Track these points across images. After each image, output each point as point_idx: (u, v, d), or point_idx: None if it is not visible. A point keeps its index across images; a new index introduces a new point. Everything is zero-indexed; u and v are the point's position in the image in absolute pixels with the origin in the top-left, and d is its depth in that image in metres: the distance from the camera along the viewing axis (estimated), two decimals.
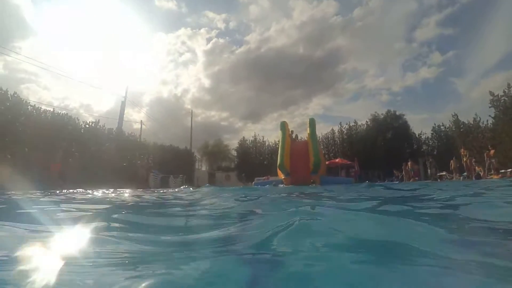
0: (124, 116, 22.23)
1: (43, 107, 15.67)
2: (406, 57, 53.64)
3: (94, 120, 18.07)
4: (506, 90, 18.52)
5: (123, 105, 20.11)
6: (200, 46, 61.53)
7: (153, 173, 18.90)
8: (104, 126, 18.36)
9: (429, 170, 16.96)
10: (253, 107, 62.65)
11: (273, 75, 60.98)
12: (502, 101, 18.64)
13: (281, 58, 59.65)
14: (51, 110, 15.51)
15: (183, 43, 64.18)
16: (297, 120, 53.88)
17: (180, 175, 20.50)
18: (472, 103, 45.88)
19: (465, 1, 42.74)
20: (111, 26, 62.66)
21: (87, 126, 17.05)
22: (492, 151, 14.29)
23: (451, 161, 15.82)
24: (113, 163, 16.60)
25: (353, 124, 28.46)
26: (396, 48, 53.42)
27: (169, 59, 63.67)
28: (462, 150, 16.05)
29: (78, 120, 16.65)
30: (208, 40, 64.72)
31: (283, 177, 16.16)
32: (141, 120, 27.61)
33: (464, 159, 15.36)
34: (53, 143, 13.54)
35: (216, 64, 61.83)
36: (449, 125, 24.17)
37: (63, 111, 17.71)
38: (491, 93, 19.12)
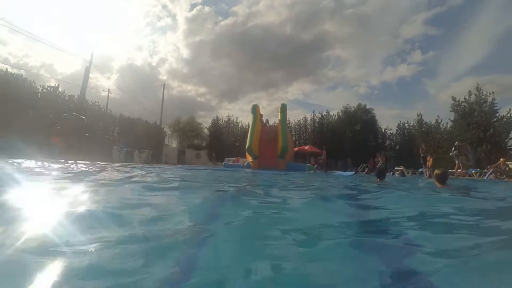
0: (91, 81, 20.70)
1: None
2: (389, 51, 54.61)
3: (53, 85, 16.80)
4: (467, 97, 19.68)
5: (87, 71, 18.71)
6: (183, 11, 58.37)
7: (117, 146, 18.21)
8: (64, 92, 17.10)
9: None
10: (232, 85, 61.50)
11: (256, 53, 59.77)
12: (462, 106, 19.83)
13: (266, 36, 58.38)
14: (4, 70, 14.08)
15: (164, 6, 60.58)
16: (276, 103, 54.04)
17: (146, 150, 19.92)
18: (440, 105, 48.42)
19: (453, 3, 43.74)
20: None
21: (44, 90, 15.77)
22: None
23: (429, 158, 16.15)
24: (74, 133, 15.61)
25: (325, 113, 29.08)
26: (382, 41, 54.07)
27: (146, 22, 60.00)
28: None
29: (35, 83, 15.33)
30: (193, 6, 61.48)
31: (251, 160, 16.31)
32: (108, 89, 26.08)
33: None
34: (5, 108, 12.38)
35: (198, 34, 59.29)
36: (413, 123, 25.44)
37: (20, 71, 16.28)
38: (453, 98, 20.25)
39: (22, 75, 15.24)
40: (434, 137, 21.46)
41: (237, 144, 29.36)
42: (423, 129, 23.65)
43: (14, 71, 15.26)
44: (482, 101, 19.08)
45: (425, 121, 24.08)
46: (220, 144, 29.46)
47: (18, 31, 17.13)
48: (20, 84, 14.26)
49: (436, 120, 22.83)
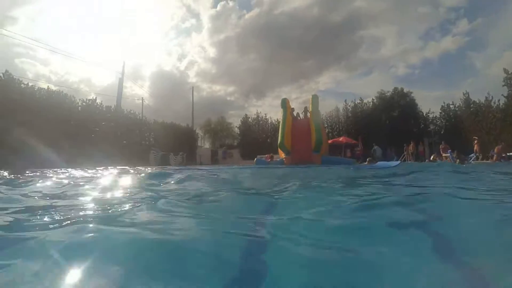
0: (126, 91, 21.66)
1: (39, 85, 15.46)
2: (430, 23, 49.75)
3: (91, 98, 17.85)
4: None
5: (120, 82, 19.66)
6: (206, 10, 58.97)
7: (153, 150, 18.90)
8: (101, 103, 18.09)
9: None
10: (261, 81, 61.03)
11: (284, 43, 57.90)
12: None
13: (293, 23, 55.88)
14: (46, 88, 15.22)
15: (188, 7, 61.77)
16: (307, 95, 51.97)
17: (180, 153, 20.45)
18: (491, 80, 43.28)
19: None
20: None
21: (84, 104, 16.81)
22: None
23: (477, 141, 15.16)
24: (112, 141, 16.48)
25: (358, 101, 27.63)
26: (421, 13, 48.98)
27: (170, 25, 61.53)
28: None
29: (75, 98, 16.40)
30: (216, 2, 61.92)
31: (283, 156, 15.94)
32: (142, 98, 27.21)
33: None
34: (50, 123, 13.33)
35: (223, 31, 59.51)
36: (459, 104, 23.20)
37: (62, 88, 17.58)
38: (505, 71, 18.08)
39: (62, 91, 16.38)
40: (486, 117, 19.34)
41: (268, 140, 29.12)
42: (471, 109, 21.44)
43: (56, 88, 16.53)
44: None
45: (473, 100, 21.83)
46: (251, 141, 29.42)
47: (56, 51, 18.35)
48: (61, 100, 15.33)
49: (486, 97, 20.54)
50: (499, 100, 19.31)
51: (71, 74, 48.75)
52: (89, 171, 6.80)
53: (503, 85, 18.45)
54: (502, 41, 41.18)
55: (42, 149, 10.07)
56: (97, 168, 8.15)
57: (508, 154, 13.13)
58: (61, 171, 6.72)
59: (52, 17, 45.05)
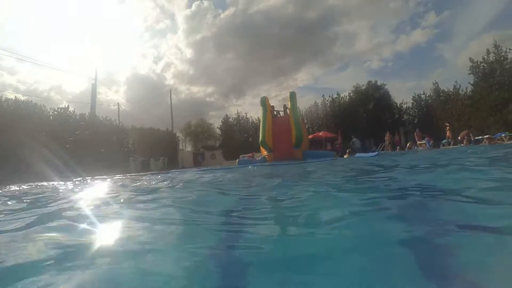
0: (100, 97, 20.94)
1: (6, 95, 14.67)
2: (401, 17, 51.89)
3: (63, 106, 17.08)
4: (485, 57, 18.52)
5: (94, 88, 18.94)
6: (181, 10, 58.14)
7: (132, 157, 18.39)
8: (75, 111, 17.37)
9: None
10: (240, 80, 60.88)
11: (261, 42, 58.56)
12: (481, 67, 18.69)
13: (269, 21, 56.81)
14: (13, 98, 14.43)
15: (162, 8, 60.67)
16: (286, 93, 52.04)
17: (161, 158, 20.02)
18: (459, 69, 45.55)
19: None
20: None
21: (55, 112, 16.07)
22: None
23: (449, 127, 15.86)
24: (89, 150, 15.84)
25: (335, 96, 28.21)
26: (392, 8, 51.54)
27: (145, 27, 60.21)
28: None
29: (45, 107, 15.65)
30: (190, 2, 61.29)
31: (266, 154, 16.01)
32: (118, 103, 26.42)
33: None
34: (19, 134, 12.64)
35: (199, 31, 58.99)
36: (430, 93, 24.27)
37: (31, 97, 16.71)
38: (471, 60, 19.11)
39: (31, 101, 15.56)
40: (455, 104, 20.36)
41: (250, 139, 29.14)
42: (441, 97, 22.49)
43: (25, 98, 15.73)
44: (502, 58, 17.89)
45: (442, 89, 22.91)
46: (233, 142, 29.34)
47: (24, 59, 17.44)
48: (31, 110, 14.59)
49: (454, 86, 21.63)
50: (466, 88, 20.43)
51: (40, 82, 46.73)
52: (61, 183, 6.53)
53: (469, 73, 19.52)
54: (468, 31, 43.60)
55: (10, 163, 9.54)
56: (74, 180, 7.83)
57: (476, 138, 13.88)
58: (31, 185, 6.41)
59: (18, 22, 42.53)
